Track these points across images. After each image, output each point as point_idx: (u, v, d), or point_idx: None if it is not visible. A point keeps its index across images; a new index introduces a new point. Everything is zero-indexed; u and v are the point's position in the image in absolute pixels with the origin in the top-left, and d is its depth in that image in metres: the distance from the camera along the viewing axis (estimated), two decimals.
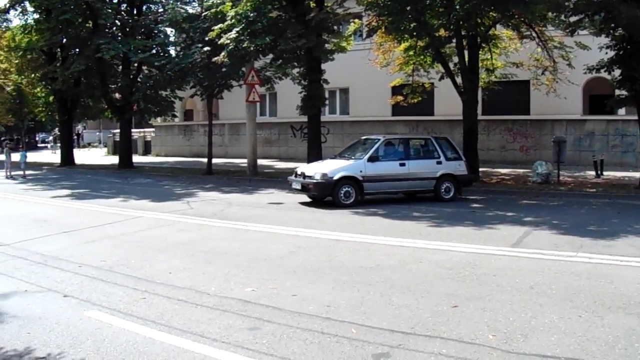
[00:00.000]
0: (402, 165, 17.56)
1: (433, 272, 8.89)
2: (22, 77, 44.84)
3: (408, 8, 20.42)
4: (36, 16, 38.75)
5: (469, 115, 22.65)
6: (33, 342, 6.46)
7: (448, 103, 28.74)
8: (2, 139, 75.34)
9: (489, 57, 24.10)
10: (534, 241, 11.31)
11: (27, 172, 32.09)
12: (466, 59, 22.41)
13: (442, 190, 17.74)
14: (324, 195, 17.40)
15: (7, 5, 38.54)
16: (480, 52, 23.11)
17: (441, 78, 24.06)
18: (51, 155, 54.83)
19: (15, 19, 40.86)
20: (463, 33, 21.79)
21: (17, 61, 42.90)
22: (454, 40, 22.30)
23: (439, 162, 17.89)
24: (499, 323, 6.57)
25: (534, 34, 22.47)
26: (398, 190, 18.11)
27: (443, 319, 6.73)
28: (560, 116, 29.37)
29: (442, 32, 22.11)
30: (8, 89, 46.57)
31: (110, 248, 11.61)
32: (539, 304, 7.27)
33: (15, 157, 32.60)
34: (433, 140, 18.43)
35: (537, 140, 29.97)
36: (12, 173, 31.58)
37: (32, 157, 45.45)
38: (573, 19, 19.92)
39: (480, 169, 22.69)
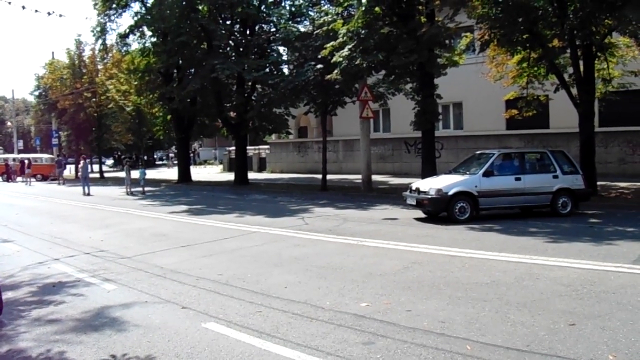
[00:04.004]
0: (518, 179, 17.32)
1: (550, 289, 8.75)
2: (141, 97, 46.79)
3: (520, 19, 20.17)
4: (153, 40, 40.59)
5: (585, 128, 21.97)
6: (153, 350, 6.82)
7: (564, 115, 28.00)
8: (123, 157, 78.99)
9: (606, 66, 23.25)
10: None
11: (146, 189, 33.52)
12: (581, 69, 21.79)
13: (559, 205, 17.38)
14: (439, 211, 17.38)
15: (127, 30, 40.47)
16: (596, 61, 22.36)
17: (556, 90, 23.50)
18: (169, 172, 56.67)
19: (134, 43, 42.66)
20: (577, 42, 21.17)
21: (136, 83, 45.04)
22: (568, 51, 21.71)
23: (556, 176, 17.54)
24: (619, 343, 6.41)
25: None
26: (514, 206, 17.84)
27: (560, 337, 6.63)
28: None
29: (555, 42, 21.66)
30: (128, 109, 48.53)
31: (226, 262, 11.98)
32: None
33: (135, 174, 34.10)
34: (549, 153, 18.07)
35: None
36: (132, 189, 33.05)
37: (151, 174, 47.40)
38: None
39: (598, 183, 21.96)
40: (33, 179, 50.45)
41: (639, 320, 7.15)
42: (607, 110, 27.21)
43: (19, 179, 51.93)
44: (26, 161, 52.28)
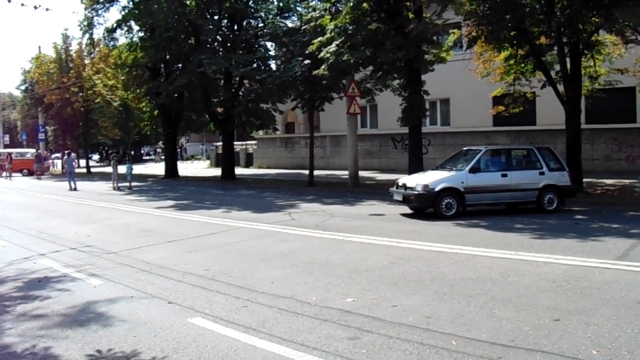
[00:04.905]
0: (504, 176, 17.36)
1: (535, 285, 8.78)
2: (128, 92, 46.42)
3: (507, 16, 20.22)
4: (141, 34, 40.48)
5: (572, 125, 22.04)
6: (139, 345, 6.81)
7: (550, 112, 28.07)
8: (109, 152, 78.69)
9: (592, 63, 23.38)
10: None
11: (133, 184, 33.35)
12: (568, 67, 21.89)
13: (545, 202, 17.42)
14: (425, 207, 17.40)
15: (114, 25, 40.28)
16: (582, 59, 22.46)
17: (543, 87, 23.55)
18: (156, 168, 56.50)
19: (122, 38, 42.52)
20: (564, 40, 21.25)
21: (123, 77, 44.72)
22: (555, 48, 21.79)
23: (542, 173, 17.59)
24: (603, 338, 6.45)
25: (639, 38, 21.70)
26: (500, 202, 17.87)
27: (544, 333, 6.67)
28: None
29: (542, 39, 21.75)
30: (115, 104, 48.17)
31: (213, 257, 11.98)
32: None
33: (122, 169, 33.94)
34: (535, 150, 18.08)
35: None
36: (119, 184, 32.88)
37: (138, 169, 47.20)
38: None
39: (584, 180, 21.99)
40: (18, 174, 50.20)
41: (622, 316, 7.19)
42: (593, 108, 27.34)
43: (5, 173, 51.65)
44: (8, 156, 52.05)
